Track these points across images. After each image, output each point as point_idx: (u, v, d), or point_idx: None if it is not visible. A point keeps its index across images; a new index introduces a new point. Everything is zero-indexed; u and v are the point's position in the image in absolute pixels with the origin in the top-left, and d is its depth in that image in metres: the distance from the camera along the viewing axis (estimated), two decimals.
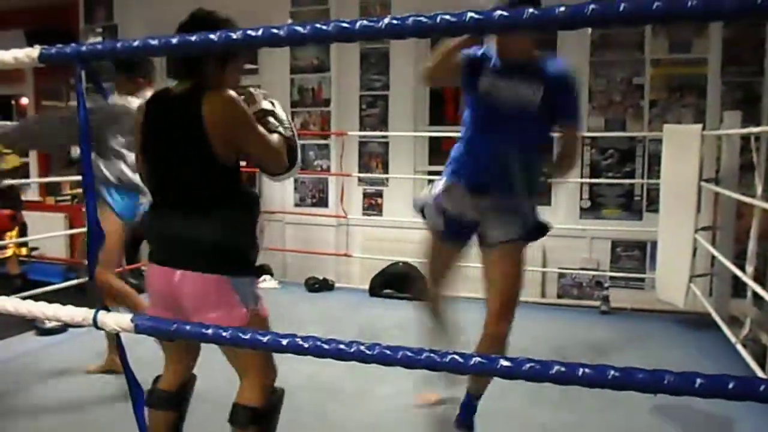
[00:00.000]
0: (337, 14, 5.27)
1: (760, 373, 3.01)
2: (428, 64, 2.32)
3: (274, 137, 1.87)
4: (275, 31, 0.84)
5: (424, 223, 2.51)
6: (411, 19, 0.76)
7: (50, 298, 1.54)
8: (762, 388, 0.72)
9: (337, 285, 5.21)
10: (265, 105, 1.96)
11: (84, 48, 1.00)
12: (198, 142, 1.71)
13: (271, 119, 1.93)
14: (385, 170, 5.34)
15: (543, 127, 2.35)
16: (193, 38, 0.90)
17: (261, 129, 1.82)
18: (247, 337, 1.04)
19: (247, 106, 1.82)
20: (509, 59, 2.27)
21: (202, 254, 1.74)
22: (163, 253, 1.81)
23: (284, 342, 1.00)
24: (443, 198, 2.43)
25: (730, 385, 0.72)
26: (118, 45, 0.98)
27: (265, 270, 5.33)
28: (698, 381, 0.73)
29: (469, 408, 2.47)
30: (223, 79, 1.79)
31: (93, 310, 1.20)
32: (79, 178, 5.62)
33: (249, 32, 0.85)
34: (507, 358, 0.84)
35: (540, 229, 2.40)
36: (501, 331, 2.32)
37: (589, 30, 4.62)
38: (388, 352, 0.92)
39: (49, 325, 3.77)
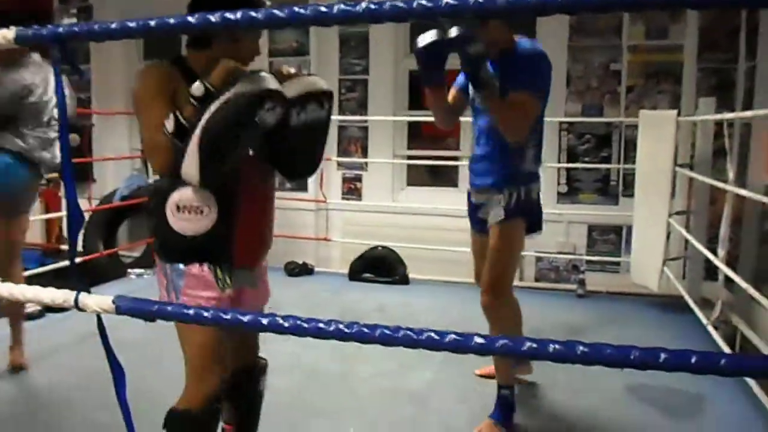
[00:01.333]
0: None
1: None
2: (436, 122, 2.60)
3: (160, 126, 1.60)
4: (254, 14, 0.85)
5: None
6: (388, 4, 0.77)
7: (28, 283, 1.53)
8: (723, 362, 0.75)
9: (316, 269, 5.23)
10: (194, 90, 1.59)
11: (61, 30, 1.00)
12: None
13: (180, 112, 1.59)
14: (365, 155, 5.35)
15: None
16: (171, 20, 0.90)
17: (145, 116, 1.64)
18: (228, 316, 1.05)
19: (164, 86, 1.65)
20: (493, 57, 2.34)
21: None
22: None
23: (264, 321, 1.01)
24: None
25: (693, 360, 0.75)
26: (96, 27, 0.98)
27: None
28: (662, 356, 0.76)
29: (501, 403, 2.53)
30: (195, 55, 1.71)
31: (74, 292, 1.20)
32: None
33: (227, 15, 0.86)
34: (481, 336, 0.86)
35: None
36: (484, 302, 2.46)
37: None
38: (366, 330, 0.94)
39: (27, 310, 3.74)
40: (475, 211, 2.62)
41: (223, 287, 1.72)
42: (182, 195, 1.63)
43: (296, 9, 0.83)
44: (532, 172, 2.54)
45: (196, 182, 1.58)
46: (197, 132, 1.53)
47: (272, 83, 1.59)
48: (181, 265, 1.69)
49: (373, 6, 0.77)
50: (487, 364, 2.86)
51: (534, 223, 2.60)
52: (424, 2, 0.75)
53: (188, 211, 1.64)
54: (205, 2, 1.61)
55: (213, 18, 0.87)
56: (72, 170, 1.28)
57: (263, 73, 1.62)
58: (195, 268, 1.69)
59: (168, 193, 1.65)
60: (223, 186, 1.65)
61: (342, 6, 0.79)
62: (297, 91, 1.67)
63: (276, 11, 0.83)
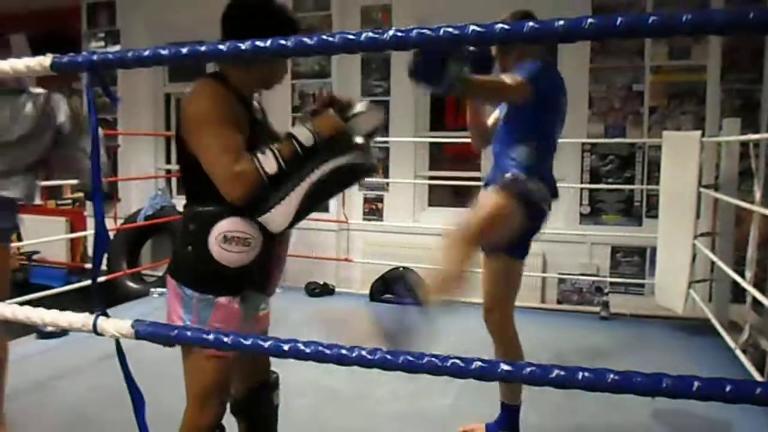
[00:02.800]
0: (339, 20, 5.31)
1: (759, 379, 3.03)
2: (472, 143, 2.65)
3: (242, 158, 1.53)
4: (283, 42, 0.86)
5: None
6: (415, 31, 0.78)
7: (52, 301, 1.55)
8: (758, 390, 0.73)
9: (337, 290, 5.23)
10: (301, 135, 1.56)
11: (95, 57, 1.02)
12: (179, 135, 1.61)
13: (277, 146, 1.56)
14: (386, 175, 5.36)
15: (514, 129, 2.42)
16: (203, 48, 0.92)
17: (216, 136, 1.53)
18: (249, 342, 1.05)
19: (228, 107, 1.58)
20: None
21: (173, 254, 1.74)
22: None
23: (286, 347, 1.01)
24: None
25: (727, 389, 0.74)
26: (129, 54, 1.00)
27: None
28: (695, 384, 0.74)
29: (508, 421, 2.54)
30: (238, 72, 1.65)
31: (93, 316, 1.20)
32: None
33: (257, 43, 0.88)
34: (508, 363, 0.85)
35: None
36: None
37: None
38: (389, 356, 0.93)
39: (49, 328, 3.79)
40: None
41: (251, 321, 1.71)
42: (231, 225, 1.56)
43: (324, 37, 0.84)
44: (527, 164, 2.37)
45: (279, 230, 1.57)
46: (305, 186, 1.52)
47: (375, 155, 1.58)
48: (215, 297, 1.63)
49: (399, 33, 0.78)
50: (474, 420, 2.73)
51: (534, 218, 2.41)
52: (450, 30, 0.75)
53: (236, 243, 1.56)
54: (236, 19, 1.65)
55: (243, 46, 0.88)
56: (101, 191, 1.30)
57: (366, 142, 1.63)
58: (226, 300, 1.63)
59: (214, 221, 1.57)
60: None
61: (369, 34, 0.80)
62: (370, 128, 1.64)
63: (305, 39, 0.85)
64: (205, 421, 1.73)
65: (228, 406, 1.86)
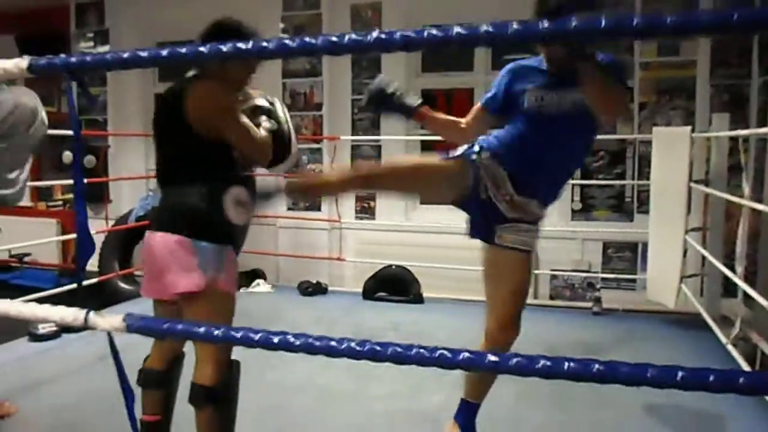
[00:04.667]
0: (328, 19, 5.29)
1: None
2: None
3: (257, 129, 2.02)
4: (265, 44, 0.86)
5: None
6: (399, 34, 0.78)
7: (43, 304, 1.53)
8: (741, 380, 0.74)
9: (330, 288, 5.22)
10: (260, 102, 2.11)
11: (73, 60, 1.01)
12: (179, 123, 1.91)
13: (263, 117, 2.09)
14: None
15: (590, 135, 2.36)
16: (183, 50, 0.91)
17: (243, 119, 1.97)
18: (239, 335, 1.05)
19: (236, 100, 2.03)
20: (559, 67, 2.21)
21: (168, 217, 1.96)
22: (151, 223, 2.04)
23: (276, 340, 1.01)
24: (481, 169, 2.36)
25: (711, 378, 0.74)
26: (108, 57, 0.99)
27: (257, 274, 5.33)
28: (680, 374, 0.75)
29: (468, 416, 2.44)
30: (222, 72, 1.96)
31: (84, 311, 1.19)
32: (71, 182, 5.59)
33: (239, 45, 0.87)
34: (494, 354, 0.85)
35: None
36: (506, 338, 2.35)
37: None
38: (378, 348, 0.93)
39: (42, 330, 3.77)
40: None
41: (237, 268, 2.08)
42: (240, 193, 1.98)
43: (307, 39, 0.83)
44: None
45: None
46: (293, 138, 2.14)
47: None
48: (225, 247, 1.97)
49: (383, 36, 0.78)
50: None
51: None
52: (434, 32, 0.75)
53: (242, 206, 1.98)
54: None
55: (224, 48, 0.88)
56: (83, 194, 1.29)
57: None
58: (230, 250, 2.00)
59: (227, 188, 1.96)
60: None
61: (353, 36, 0.80)
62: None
63: (287, 41, 0.84)
64: (229, 352, 1.99)
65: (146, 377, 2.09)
